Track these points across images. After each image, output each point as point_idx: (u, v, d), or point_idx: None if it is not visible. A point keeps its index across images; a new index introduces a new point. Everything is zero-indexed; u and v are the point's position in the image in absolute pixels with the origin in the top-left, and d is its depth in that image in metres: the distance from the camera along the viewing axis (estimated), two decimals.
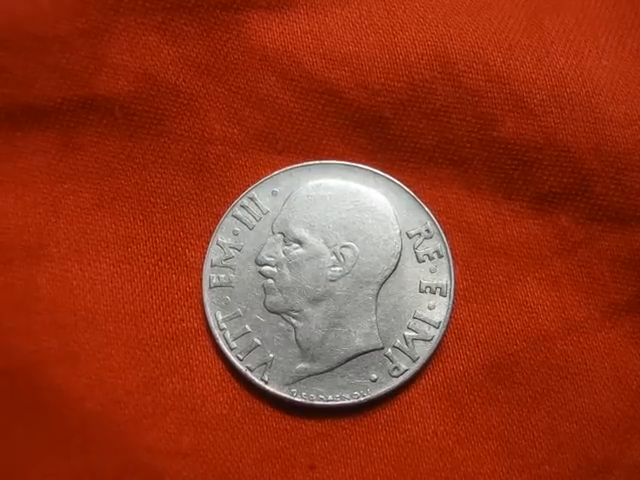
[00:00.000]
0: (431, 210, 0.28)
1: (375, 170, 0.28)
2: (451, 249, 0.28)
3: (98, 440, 0.27)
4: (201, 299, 0.27)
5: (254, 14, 0.28)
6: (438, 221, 0.28)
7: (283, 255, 0.27)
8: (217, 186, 0.29)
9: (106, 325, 0.27)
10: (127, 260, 0.28)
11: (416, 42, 0.28)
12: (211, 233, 0.28)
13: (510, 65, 0.28)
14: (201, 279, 0.28)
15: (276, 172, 0.28)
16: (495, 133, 0.28)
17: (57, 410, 0.27)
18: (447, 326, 0.27)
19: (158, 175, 0.28)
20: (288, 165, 0.28)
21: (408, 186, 0.28)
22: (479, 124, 0.28)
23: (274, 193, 0.28)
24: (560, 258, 0.28)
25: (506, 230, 0.28)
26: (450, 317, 0.28)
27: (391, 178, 0.28)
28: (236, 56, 0.28)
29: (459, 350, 0.28)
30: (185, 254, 0.28)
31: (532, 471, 0.27)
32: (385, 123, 0.28)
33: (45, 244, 0.28)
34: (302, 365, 0.27)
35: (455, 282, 0.28)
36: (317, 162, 0.28)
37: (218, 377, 0.27)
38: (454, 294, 0.28)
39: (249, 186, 0.28)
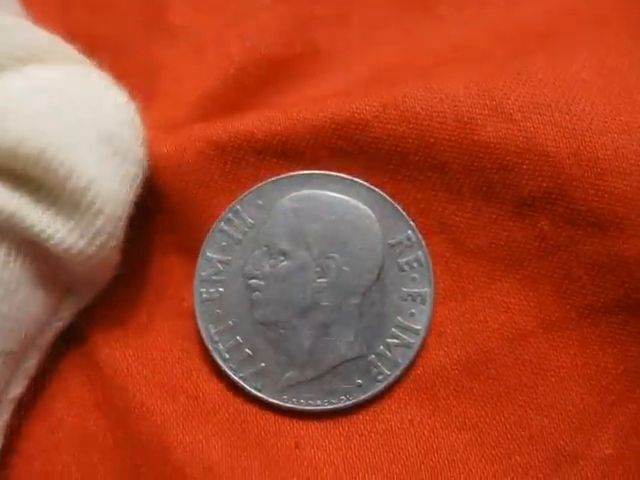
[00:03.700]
0: (412, 214, 0.29)
1: (357, 179, 0.29)
2: (432, 257, 0.29)
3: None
4: (193, 312, 0.29)
5: None
6: (419, 230, 0.29)
7: (269, 268, 0.29)
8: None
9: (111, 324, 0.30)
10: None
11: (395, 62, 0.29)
12: (200, 247, 0.29)
13: (488, 75, 0.28)
14: (192, 293, 0.29)
15: (260, 184, 0.29)
16: (475, 137, 0.28)
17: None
18: (427, 332, 0.29)
19: None
20: (273, 174, 0.29)
21: (389, 194, 0.29)
22: (459, 128, 0.28)
23: (258, 206, 0.29)
24: (539, 260, 0.29)
25: (486, 232, 0.29)
26: (430, 323, 0.29)
27: (373, 188, 0.29)
28: None
29: (437, 347, 0.29)
30: (178, 265, 0.30)
31: (503, 461, 0.28)
32: (365, 125, 0.29)
33: None
34: (291, 373, 0.29)
35: (434, 289, 0.29)
36: (299, 173, 0.29)
37: (217, 391, 0.29)
38: (434, 298, 0.29)
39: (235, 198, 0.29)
